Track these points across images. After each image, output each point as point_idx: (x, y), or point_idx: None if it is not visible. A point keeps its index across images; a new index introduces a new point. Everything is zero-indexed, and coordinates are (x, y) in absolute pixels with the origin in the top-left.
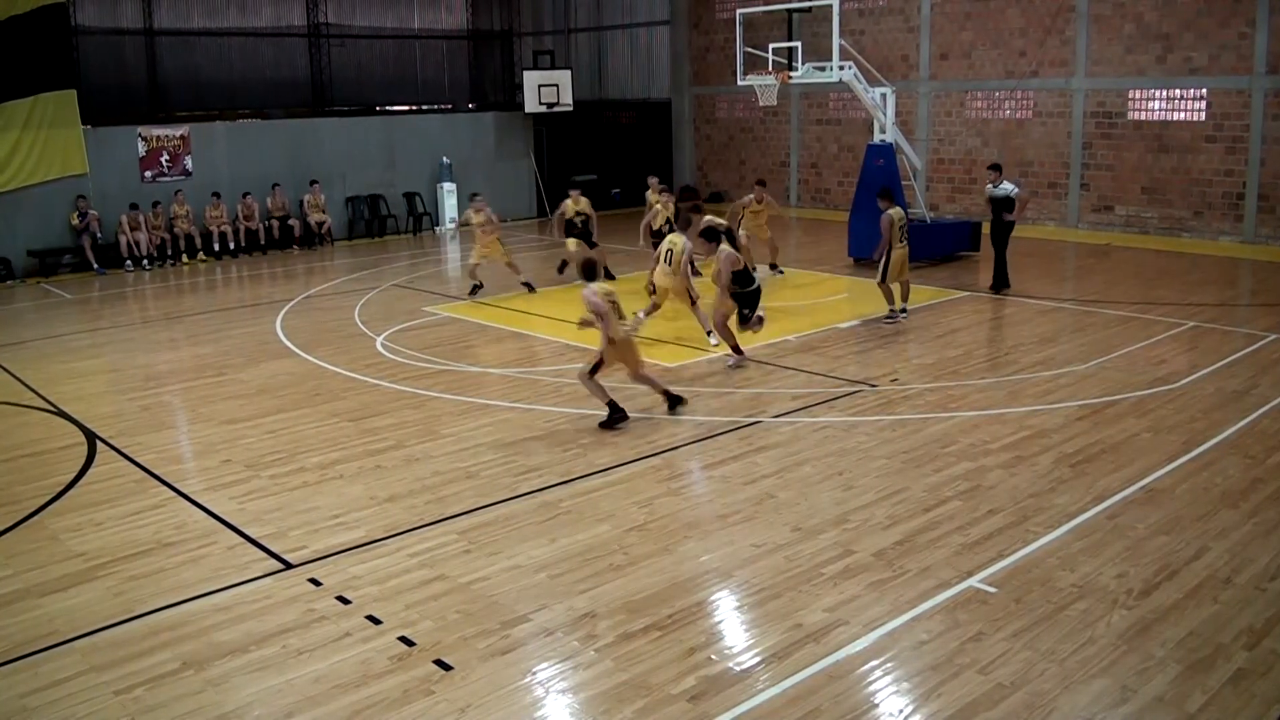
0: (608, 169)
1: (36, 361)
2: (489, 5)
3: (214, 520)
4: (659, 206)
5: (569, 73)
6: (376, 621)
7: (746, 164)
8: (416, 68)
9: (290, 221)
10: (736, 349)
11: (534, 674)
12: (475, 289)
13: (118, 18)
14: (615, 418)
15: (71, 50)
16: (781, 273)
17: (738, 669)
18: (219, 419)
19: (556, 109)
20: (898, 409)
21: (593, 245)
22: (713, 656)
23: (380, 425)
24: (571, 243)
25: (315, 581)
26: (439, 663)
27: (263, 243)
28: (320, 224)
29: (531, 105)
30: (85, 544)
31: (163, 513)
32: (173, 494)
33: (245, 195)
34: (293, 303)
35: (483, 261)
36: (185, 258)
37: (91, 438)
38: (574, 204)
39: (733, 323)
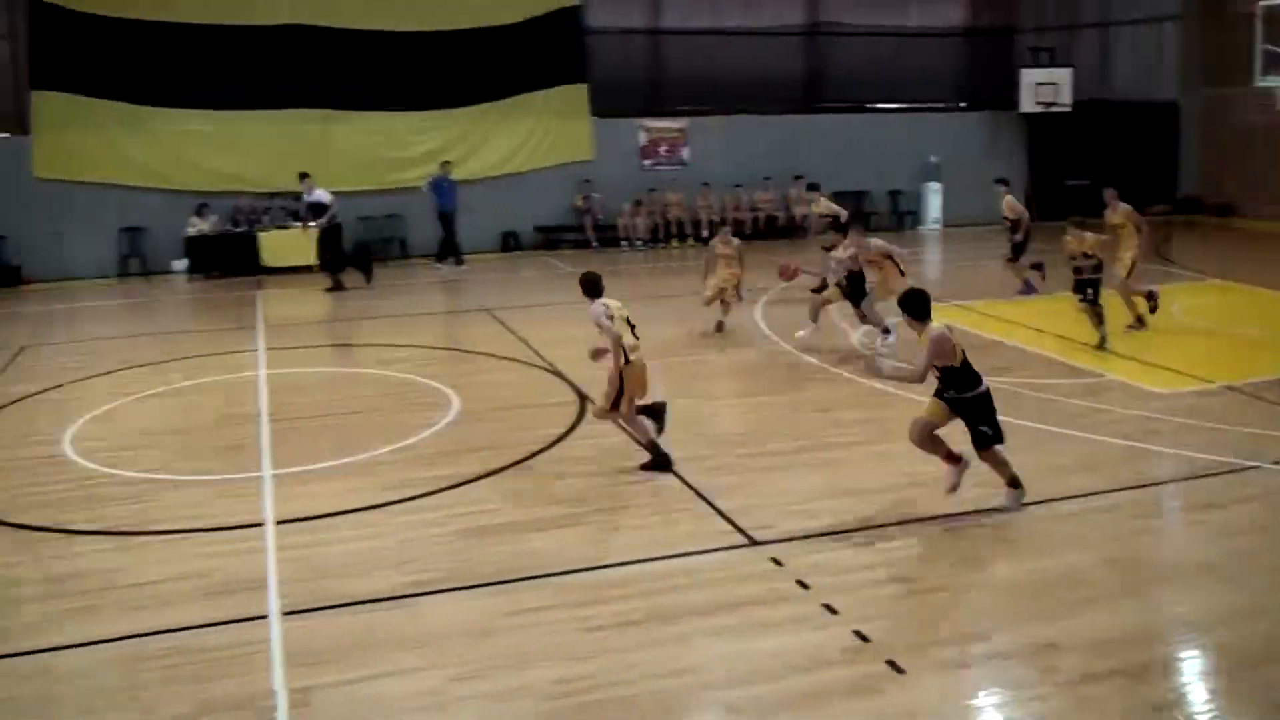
0: (1103, 174)
1: (538, 325)
2: (989, 1)
3: (688, 489)
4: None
5: (1069, 71)
6: (833, 611)
7: (1262, 173)
8: (910, 65)
9: (775, 214)
10: (951, 486)
11: (985, 696)
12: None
13: (626, 18)
14: (658, 462)
15: (583, 48)
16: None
17: None
18: (697, 395)
19: (1054, 109)
20: None
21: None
22: (1179, 718)
23: (849, 419)
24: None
25: (777, 562)
26: (890, 664)
27: (748, 233)
28: (803, 218)
29: (1027, 105)
30: (570, 492)
31: (642, 475)
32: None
33: (735, 186)
34: (772, 291)
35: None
36: (675, 242)
37: (582, 397)
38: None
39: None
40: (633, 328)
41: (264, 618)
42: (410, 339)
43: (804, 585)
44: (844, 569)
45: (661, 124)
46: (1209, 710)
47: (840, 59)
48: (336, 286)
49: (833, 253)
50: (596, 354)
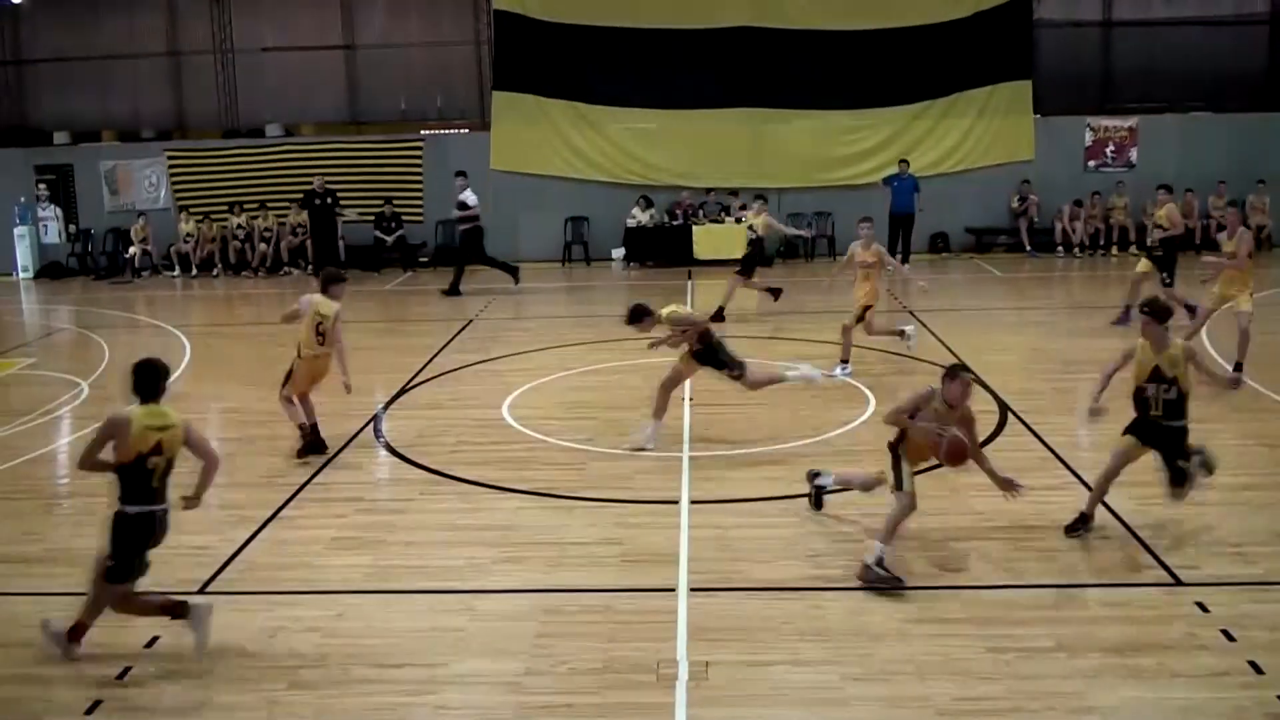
0: None
1: (961, 329)
2: None
3: (1111, 515)
4: None
5: None
6: (1259, 670)
7: None
8: None
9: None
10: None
11: None
12: None
13: (1077, 10)
14: (311, 446)
15: (1030, 43)
16: None
17: None
18: (1130, 415)
19: None
20: None
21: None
22: None
23: None
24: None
25: (1203, 607)
26: None
27: (1197, 243)
28: (1261, 228)
29: None
30: (983, 504)
31: (1061, 495)
32: (1073, 478)
33: (1187, 191)
34: (1222, 309)
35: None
36: (1116, 249)
37: (1003, 408)
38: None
39: None
40: (321, 335)
41: (673, 590)
42: (832, 336)
43: (1230, 637)
44: (1277, 623)
45: (1110, 122)
46: None
47: None
48: (453, 290)
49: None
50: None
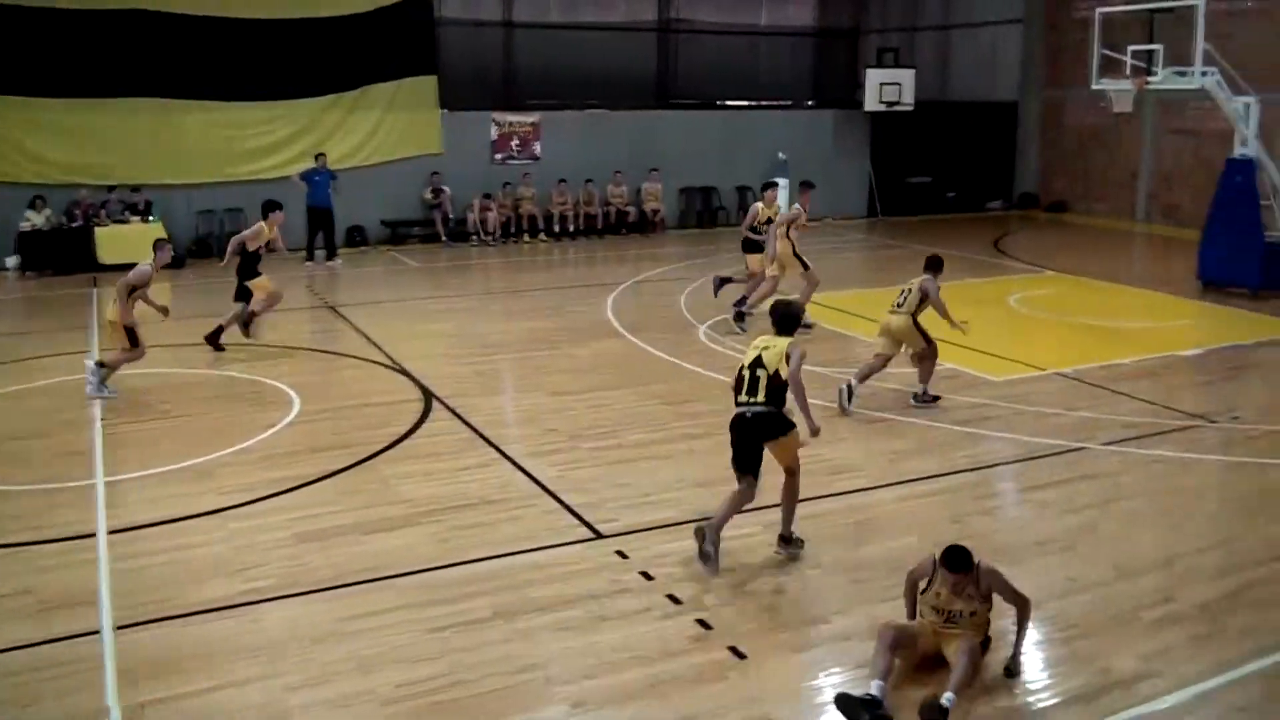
0: (943, 172)
1: (383, 321)
2: (837, 2)
3: (535, 484)
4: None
5: (912, 72)
6: (677, 601)
7: (1093, 174)
8: (759, 64)
9: (626, 208)
10: None
11: (827, 677)
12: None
13: (478, 10)
14: None
15: (434, 40)
16: None
17: (1036, 705)
18: (547, 390)
19: (896, 108)
20: (1237, 450)
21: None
22: (1014, 690)
23: (697, 411)
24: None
25: (623, 554)
26: (733, 650)
27: (599, 227)
28: (654, 212)
29: (871, 104)
30: (414, 491)
31: (488, 472)
32: (499, 455)
33: (587, 182)
34: (623, 286)
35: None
36: (527, 237)
37: (428, 395)
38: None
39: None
40: None
41: (96, 633)
42: (251, 338)
43: (648, 576)
44: (688, 559)
45: (513, 118)
46: (1039, 678)
47: (692, 56)
48: None
49: None
50: None
